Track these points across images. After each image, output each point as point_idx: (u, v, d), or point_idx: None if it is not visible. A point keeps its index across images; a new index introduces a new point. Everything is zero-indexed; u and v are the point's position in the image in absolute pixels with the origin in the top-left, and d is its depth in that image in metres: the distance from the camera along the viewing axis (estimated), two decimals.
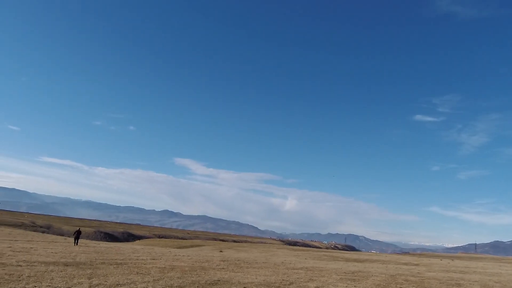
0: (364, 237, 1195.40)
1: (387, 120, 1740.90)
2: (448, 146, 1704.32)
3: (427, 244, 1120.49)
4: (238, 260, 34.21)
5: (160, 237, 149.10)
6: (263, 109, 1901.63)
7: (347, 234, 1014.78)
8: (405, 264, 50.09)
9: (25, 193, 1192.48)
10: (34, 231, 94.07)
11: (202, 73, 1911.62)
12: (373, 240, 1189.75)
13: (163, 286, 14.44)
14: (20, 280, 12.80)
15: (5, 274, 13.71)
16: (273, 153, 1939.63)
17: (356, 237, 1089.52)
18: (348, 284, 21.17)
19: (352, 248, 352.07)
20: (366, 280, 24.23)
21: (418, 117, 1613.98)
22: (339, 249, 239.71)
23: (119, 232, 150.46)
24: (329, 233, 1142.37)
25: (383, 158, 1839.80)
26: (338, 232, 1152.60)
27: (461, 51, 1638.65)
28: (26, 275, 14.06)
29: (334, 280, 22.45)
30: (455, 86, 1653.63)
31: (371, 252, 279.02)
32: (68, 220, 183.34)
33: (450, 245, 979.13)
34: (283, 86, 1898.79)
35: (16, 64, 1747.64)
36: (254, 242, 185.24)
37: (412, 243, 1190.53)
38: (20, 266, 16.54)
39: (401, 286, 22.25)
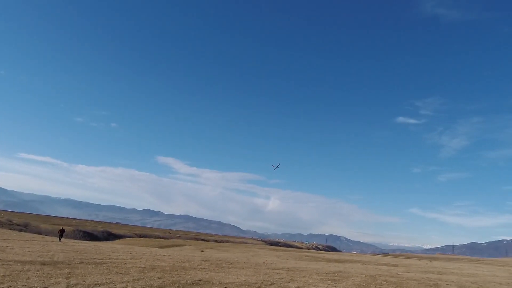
0: (345, 238, 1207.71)
1: (372, 122, 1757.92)
2: (429, 149, 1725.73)
3: (406, 245, 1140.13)
4: (220, 260, 34.09)
5: (140, 236, 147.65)
6: (245, 108, 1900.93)
7: (329, 235, 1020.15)
8: (385, 264, 50.78)
9: (2, 190, 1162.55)
10: (11, 229, 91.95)
11: (185, 72, 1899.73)
12: (354, 241, 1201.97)
13: (142, 286, 14.27)
14: None
15: None
16: (256, 153, 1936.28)
17: (337, 237, 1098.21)
18: (329, 284, 21.34)
19: (333, 249, 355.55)
20: (347, 280, 24.46)
21: (401, 119, 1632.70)
22: (320, 250, 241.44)
23: (99, 231, 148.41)
24: (310, 234, 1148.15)
25: (367, 160, 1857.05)
26: (320, 233, 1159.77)
27: (444, 54, 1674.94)
28: (1, 274, 13.71)
29: (315, 281, 22.59)
30: (438, 88, 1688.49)
31: (351, 252, 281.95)
32: (46, 218, 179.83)
33: (428, 246, 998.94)
34: (266, 86, 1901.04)
35: None
36: (236, 242, 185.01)
37: (392, 244, 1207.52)
38: None
39: (381, 286, 22.54)
